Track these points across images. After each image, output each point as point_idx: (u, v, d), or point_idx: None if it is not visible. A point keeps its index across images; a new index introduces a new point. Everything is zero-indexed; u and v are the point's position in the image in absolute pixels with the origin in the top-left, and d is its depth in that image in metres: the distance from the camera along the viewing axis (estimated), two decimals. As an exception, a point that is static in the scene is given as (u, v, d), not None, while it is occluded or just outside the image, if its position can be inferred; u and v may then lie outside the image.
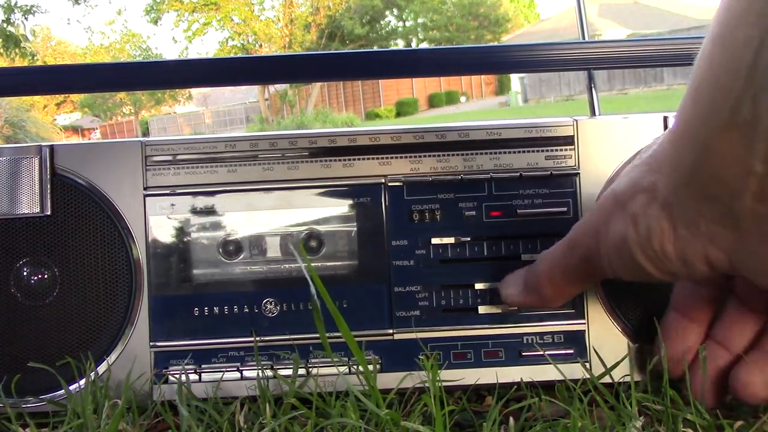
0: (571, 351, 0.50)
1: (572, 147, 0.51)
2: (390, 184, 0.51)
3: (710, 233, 0.33)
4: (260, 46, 22.17)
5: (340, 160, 0.51)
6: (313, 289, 0.40)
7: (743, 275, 0.34)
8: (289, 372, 0.48)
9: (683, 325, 0.44)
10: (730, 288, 0.43)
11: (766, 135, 0.27)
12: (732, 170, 0.30)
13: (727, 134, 0.29)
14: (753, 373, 0.40)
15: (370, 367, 0.46)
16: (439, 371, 0.46)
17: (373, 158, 0.51)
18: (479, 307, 0.50)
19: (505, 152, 0.51)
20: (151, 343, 0.50)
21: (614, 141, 0.50)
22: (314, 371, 0.49)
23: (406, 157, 0.51)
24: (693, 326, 0.44)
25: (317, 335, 0.50)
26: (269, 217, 0.51)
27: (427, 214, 0.51)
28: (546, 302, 0.45)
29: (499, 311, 0.50)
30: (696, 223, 0.33)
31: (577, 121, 0.51)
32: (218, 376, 0.49)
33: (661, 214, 0.35)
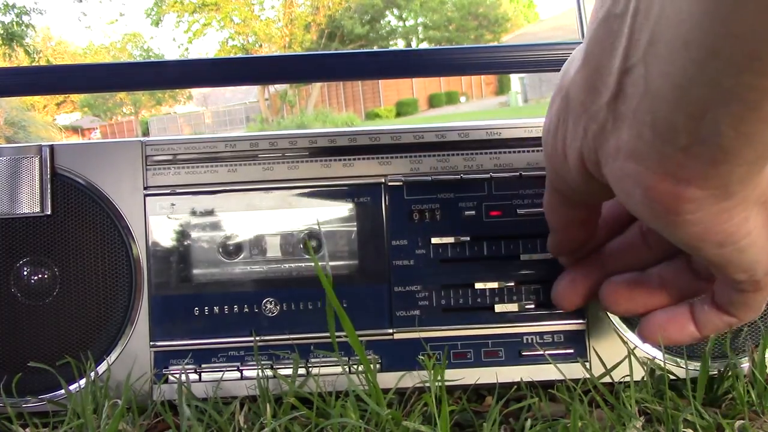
0: (571, 351, 0.50)
1: (572, 147, 0.51)
2: (390, 183, 0.51)
3: (585, 128, 0.33)
4: (260, 46, 22.17)
5: (340, 160, 0.51)
6: (327, 289, 0.40)
7: (608, 181, 0.33)
8: (289, 372, 0.48)
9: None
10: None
11: (628, 30, 0.28)
12: (607, 61, 0.30)
13: (607, 24, 0.30)
14: (622, 285, 0.42)
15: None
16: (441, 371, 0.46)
17: (373, 158, 0.51)
18: (496, 306, 0.50)
19: (505, 152, 0.51)
20: (151, 343, 0.50)
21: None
22: (314, 371, 0.49)
23: (406, 156, 0.51)
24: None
25: (317, 335, 0.50)
26: (269, 217, 0.51)
27: (427, 213, 0.51)
28: (557, 234, 0.44)
29: (510, 310, 0.50)
30: (579, 115, 0.33)
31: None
32: (218, 375, 0.49)
33: (561, 105, 0.35)
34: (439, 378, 0.44)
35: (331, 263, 0.51)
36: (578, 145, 0.34)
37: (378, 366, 0.50)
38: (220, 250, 0.51)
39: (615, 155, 0.31)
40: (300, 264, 0.51)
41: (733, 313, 0.38)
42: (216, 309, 0.50)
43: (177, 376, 0.49)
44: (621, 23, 0.29)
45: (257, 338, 0.50)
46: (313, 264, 0.50)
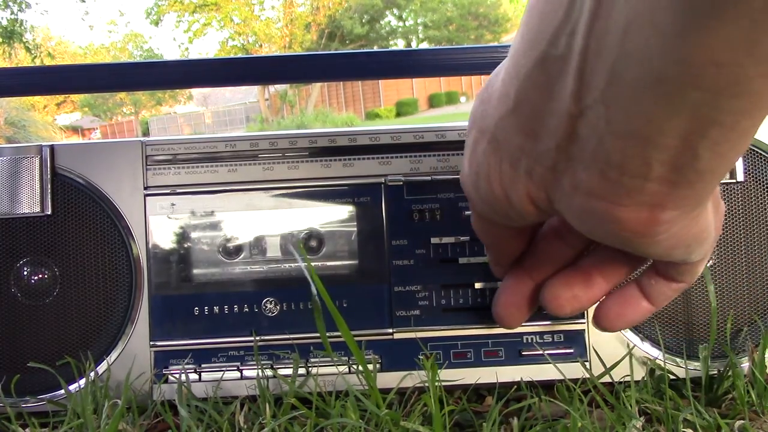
0: (571, 351, 0.50)
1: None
2: (390, 183, 0.51)
3: (529, 170, 0.32)
4: (260, 46, 22.17)
5: (340, 160, 0.51)
6: (314, 289, 0.40)
7: (562, 215, 0.33)
8: (289, 371, 0.48)
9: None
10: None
11: (577, 72, 0.26)
12: (548, 106, 0.29)
13: (545, 67, 0.28)
14: (559, 287, 0.40)
15: (370, 367, 0.46)
16: (439, 371, 0.46)
17: (373, 158, 0.51)
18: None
19: (505, 152, 0.51)
20: (151, 343, 0.50)
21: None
22: (314, 371, 0.49)
23: (405, 156, 0.51)
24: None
25: (317, 335, 0.50)
26: (269, 217, 0.51)
27: (427, 213, 0.51)
28: (493, 250, 0.44)
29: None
30: (518, 159, 0.32)
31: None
32: (218, 375, 0.49)
33: (488, 149, 0.34)
34: (438, 378, 0.44)
35: (331, 263, 0.51)
36: (523, 186, 0.33)
37: (378, 366, 0.50)
38: (220, 250, 0.51)
39: (571, 193, 0.30)
40: (300, 264, 0.50)
41: (682, 279, 0.39)
42: (216, 309, 0.50)
43: (177, 376, 0.49)
44: (563, 65, 0.27)
45: (257, 338, 0.50)
46: (313, 263, 0.50)
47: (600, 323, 0.42)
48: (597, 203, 0.29)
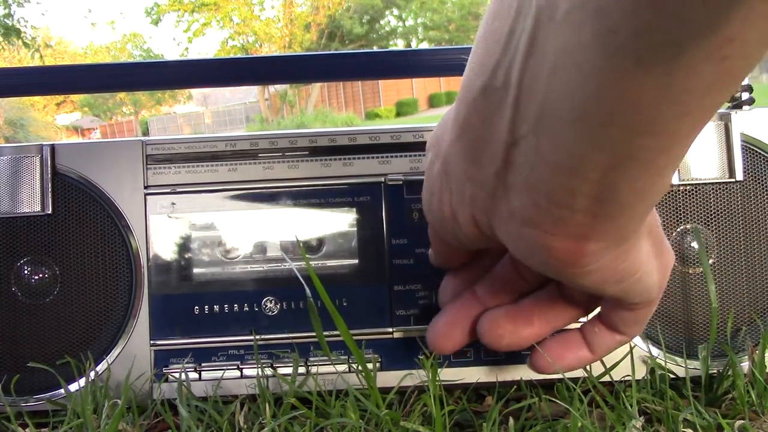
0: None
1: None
2: (390, 183, 0.51)
3: (473, 195, 0.33)
4: (260, 46, 22.17)
5: (339, 159, 0.51)
6: (308, 291, 0.40)
7: (502, 241, 0.34)
8: (288, 371, 0.48)
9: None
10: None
11: (513, 104, 0.28)
12: (489, 133, 0.30)
13: (486, 97, 0.29)
14: (501, 318, 0.40)
15: (370, 366, 0.46)
16: (438, 370, 0.46)
17: (372, 157, 0.51)
18: None
19: (505, 152, 0.51)
20: (151, 342, 0.50)
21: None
22: (314, 370, 0.49)
23: (405, 156, 0.51)
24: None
25: (316, 334, 0.50)
26: (269, 216, 0.51)
27: (427, 213, 0.51)
28: (440, 257, 0.44)
29: None
30: (464, 183, 0.33)
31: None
32: (218, 374, 0.49)
33: (440, 171, 0.35)
34: (438, 378, 0.44)
35: (331, 262, 0.51)
36: (468, 209, 0.34)
37: (378, 365, 0.50)
38: (220, 249, 0.51)
39: (508, 220, 0.31)
40: (300, 263, 0.50)
41: (624, 331, 0.40)
42: (216, 308, 0.50)
43: (177, 375, 0.49)
44: (503, 96, 0.28)
45: (257, 337, 0.50)
46: (313, 263, 0.50)
47: (536, 363, 0.42)
48: (529, 231, 0.30)
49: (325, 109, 18.30)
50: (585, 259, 0.30)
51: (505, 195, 0.31)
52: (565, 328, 0.41)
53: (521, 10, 0.26)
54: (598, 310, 0.41)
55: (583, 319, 0.42)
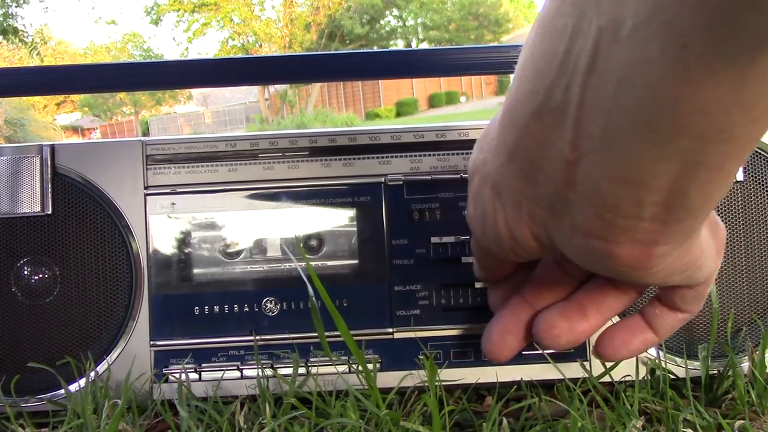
0: (571, 351, 0.50)
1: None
2: (390, 183, 0.51)
3: (531, 213, 0.33)
4: (260, 46, 22.17)
5: (340, 159, 0.51)
6: (311, 290, 0.40)
7: (563, 251, 0.34)
8: (289, 371, 0.48)
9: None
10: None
11: (573, 123, 0.28)
12: (545, 153, 0.30)
13: (541, 118, 0.29)
14: (555, 318, 0.40)
15: (370, 366, 0.46)
16: (439, 370, 0.46)
17: (372, 157, 0.51)
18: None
19: (505, 152, 0.51)
20: (151, 342, 0.50)
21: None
22: (314, 370, 0.49)
23: (405, 156, 0.51)
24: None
25: (317, 334, 0.50)
26: (269, 217, 0.51)
27: (427, 213, 0.51)
28: (485, 272, 0.45)
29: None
30: (519, 202, 0.34)
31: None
32: (218, 375, 0.49)
33: (491, 194, 0.35)
34: (438, 378, 0.44)
35: (331, 263, 0.51)
36: (525, 226, 0.34)
37: (378, 366, 0.50)
38: (220, 249, 0.51)
39: (570, 233, 0.32)
40: (300, 263, 0.50)
41: (686, 309, 0.40)
42: (216, 308, 0.50)
43: (177, 375, 0.49)
44: (560, 116, 0.28)
45: (257, 338, 0.50)
46: (313, 263, 0.50)
47: (603, 351, 0.42)
48: (594, 242, 0.31)
49: (325, 109, 18.30)
50: (653, 262, 0.31)
51: (566, 210, 0.31)
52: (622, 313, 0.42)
53: (579, 30, 0.26)
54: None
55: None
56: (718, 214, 0.50)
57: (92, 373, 0.48)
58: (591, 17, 0.25)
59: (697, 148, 0.25)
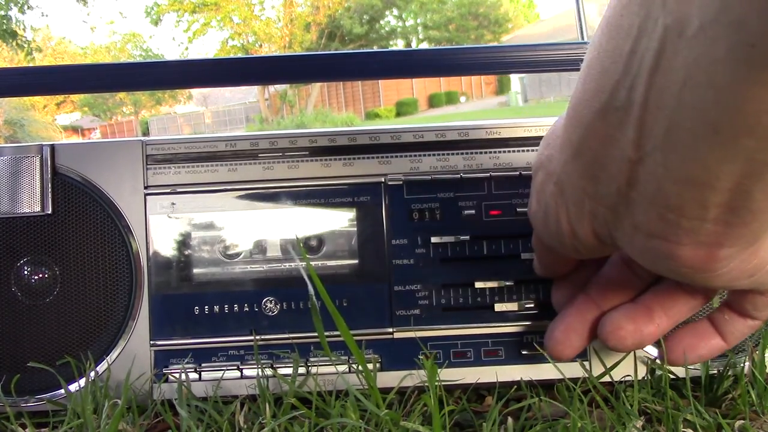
0: None
1: (572, 146, 0.51)
2: (390, 183, 0.51)
3: (593, 211, 0.33)
4: (260, 46, 22.17)
5: (340, 159, 0.51)
6: (311, 289, 0.40)
7: (625, 250, 0.35)
8: (289, 371, 0.48)
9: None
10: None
11: (637, 122, 0.28)
12: (608, 152, 0.30)
13: (606, 117, 0.29)
14: (621, 319, 0.40)
15: (370, 366, 0.46)
16: (439, 370, 0.46)
17: (372, 157, 0.51)
18: (495, 305, 0.50)
19: (504, 151, 0.51)
20: (151, 342, 0.50)
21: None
22: (314, 370, 0.49)
23: (405, 156, 0.51)
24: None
25: (317, 334, 0.50)
26: (269, 216, 0.51)
27: (426, 213, 0.51)
28: (546, 269, 0.45)
29: (510, 309, 0.50)
30: (582, 200, 0.34)
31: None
32: (218, 375, 0.49)
33: (554, 191, 0.35)
34: (438, 378, 0.44)
35: (331, 263, 0.51)
36: (587, 224, 0.34)
37: (378, 365, 0.50)
38: (220, 249, 0.51)
39: (632, 233, 0.31)
40: (300, 263, 0.50)
41: (757, 316, 0.39)
42: (216, 308, 0.50)
43: (177, 375, 0.49)
44: (624, 115, 0.28)
45: (257, 337, 0.50)
46: (313, 263, 0.50)
47: (669, 355, 0.42)
48: (657, 243, 0.30)
49: (324, 109, 18.30)
50: (717, 264, 0.30)
51: (628, 210, 0.31)
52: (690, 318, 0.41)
53: (644, 29, 0.26)
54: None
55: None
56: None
57: (92, 373, 0.48)
58: (657, 16, 0.25)
59: (762, 149, 0.24)
